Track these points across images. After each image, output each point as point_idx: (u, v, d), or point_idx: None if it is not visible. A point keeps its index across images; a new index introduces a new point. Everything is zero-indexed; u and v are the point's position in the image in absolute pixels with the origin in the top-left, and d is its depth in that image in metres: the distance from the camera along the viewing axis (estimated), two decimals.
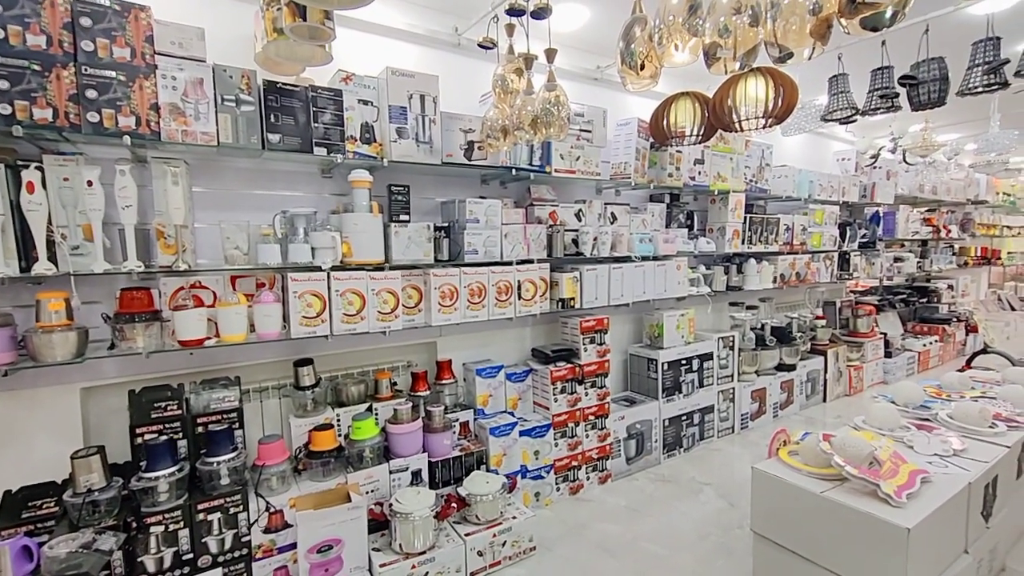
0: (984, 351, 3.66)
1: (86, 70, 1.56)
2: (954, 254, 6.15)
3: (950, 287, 6.00)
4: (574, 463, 2.70)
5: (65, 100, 1.54)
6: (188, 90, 1.72)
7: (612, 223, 2.94)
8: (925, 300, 5.72)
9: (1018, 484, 2.06)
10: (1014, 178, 6.78)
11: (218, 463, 1.79)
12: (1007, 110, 4.24)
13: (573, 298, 2.69)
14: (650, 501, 2.65)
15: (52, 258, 1.60)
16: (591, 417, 2.75)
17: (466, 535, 2.04)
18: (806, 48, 1.26)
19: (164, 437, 1.77)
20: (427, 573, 1.92)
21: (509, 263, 2.46)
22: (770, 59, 1.38)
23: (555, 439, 2.62)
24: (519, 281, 2.48)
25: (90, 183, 1.61)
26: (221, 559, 1.79)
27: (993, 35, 2.40)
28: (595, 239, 2.75)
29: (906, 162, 4.68)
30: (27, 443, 1.78)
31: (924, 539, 1.47)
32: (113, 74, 1.59)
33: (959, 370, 2.86)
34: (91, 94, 1.57)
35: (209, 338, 1.82)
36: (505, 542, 2.10)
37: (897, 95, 2.72)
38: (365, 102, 2.08)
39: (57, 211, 1.61)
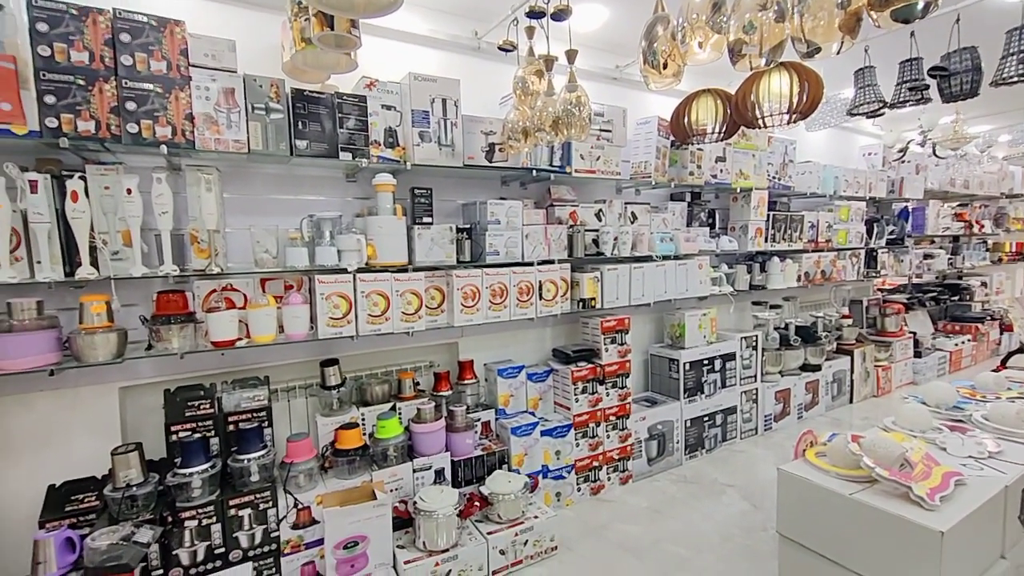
0: (1020, 351, 3.53)
1: (126, 83, 1.63)
2: (987, 250, 5.94)
3: (983, 284, 5.80)
4: (595, 463, 2.70)
5: (107, 112, 1.61)
6: (220, 100, 1.78)
7: (632, 222, 2.93)
8: (957, 298, 5.53)
9: None
10: None
11: (248, 460, 1.84)
12: None
13: (594, 298, 2.69)
14: (672, 502, 2.63)
15: (94, 263, 1.68)
16: (612, 417, 2.74)
17: (488, 534, 2.06)
18: (834, 43, 1.24)
19: (197, 435, 1.83)
20: (450, 571, 1.95)
21: (530, 264, 2.48)
22: (797, 55, 1.36)
23: (576, 439, 2.62)
24: (540, 281, 2.50)
25: (129, 191, 1.67)
26: (251, 553, 1.84)
27: None
28: (615, 239, 2.74)
29: (936, 155, 4.55)
30: (69, 440, 1.86)
31: (958, 543, 1.43)
32: (151, 86, 1.66)
33: (994, 370, 2.77)
34: (131, 106, 1.64)
35: (240, 339, 1.88)
36: (527, 541, 2.12)
37: (927, 87, 2.65)
38: (388, 107, 2.12)
39: (99, 218, 1.68)
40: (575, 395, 2.62)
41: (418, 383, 2.46)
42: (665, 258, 2.98)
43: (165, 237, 1.74)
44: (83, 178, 1.64)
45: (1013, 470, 1.72)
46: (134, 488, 1.67)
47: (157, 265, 1.77)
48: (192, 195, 1.82)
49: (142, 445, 1.75)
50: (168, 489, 1.75)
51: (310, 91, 1.95)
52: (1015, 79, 2.32)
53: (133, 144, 1.66)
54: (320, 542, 1.92)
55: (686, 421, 3.05)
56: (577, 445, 2.63)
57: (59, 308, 1.78)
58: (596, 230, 2.75)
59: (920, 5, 1.10)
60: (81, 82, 1.58)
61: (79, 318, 1.65)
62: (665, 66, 1.59)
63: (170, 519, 1.72)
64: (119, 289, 1.77)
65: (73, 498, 1.74)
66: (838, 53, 1.25)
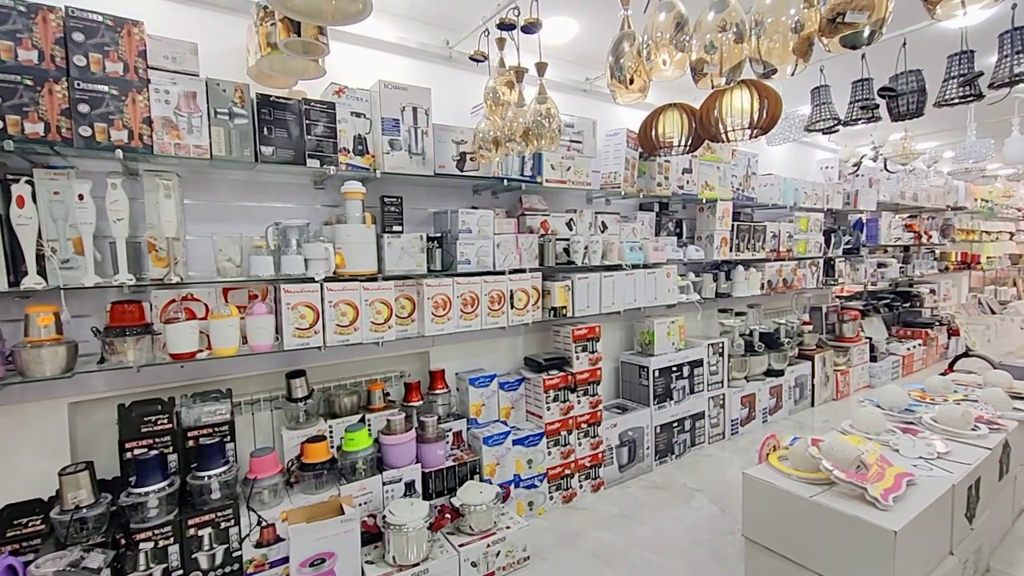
0: (966, 354, 3.74)
1: (78, 84, 1.56)
2: (935, 259, 6.29)
3: (932, 292, 6.13)
4: (567, 471, 2.71)
5: (57, 114, 1.54)
6: (181, 104, 1.72)
7: (603, 232, 2.97)
8: (908, 305, 5.83)
9: (1000, 485, 2.11)
10: (991, 184, 6.96)
11: (209, 477, 1.77)
12: (983, 119, 4.37)
13: (565, 307, 2.71)
14: (643, 508, 2.66)
15: (41, 272, 1.59)
16: (584, 425, 2.76)
17: (460, 546, 2.03)
18: (789, 64, 1.30)
19: (154, 452, 1.75)
20: None
21: (501, 272, 2.48)
22: (755, 74, 1.42)
23: (548, 448, 2.63)
24: (511, 290, 2.50)
25: (81, 197, 1.60)
26: (212, 575, 1.76)
27: (967, 48, 2.48)
28: (586, 248, 2.78)
29: (887, 170, 4.80)
30: (13, 460, 1.75)
31: (910, 541, 1.50)
32: (106, 88, 1.59)
33: (942, 373, 2.92)
34: (83, 108, 1.57)
35: (201, 351, 1.81)
36: (499, 552, 2.10)
37: (877, 106, 2.80)
38: (358, 114, 2.10)
39: (47, 225, 1.60)
40: (547, 403, 2.62)
41: (388, 394, 2.42)
42: (634, 267, 3.03)
43: (120, 245, 1.67)
44: (30, 182, 1.56)
45: (960, 470, 1.81)
46: (84, 510, 1.58)
47: (111, 274, 1.69)
48: (150, 201, 1.75)
49: (93, 464, 1.66)
50: (122, 510, 1.66)
51: (276, 96, 1.91)
52: (956, 101, 2.47)
53: (86, 148, 1.59)
54: (285, 560, 1.86)
55: (656, 427, 3.10)
56: (549, 453, 2.63)
57: (2, 319, 1.68)
58: (567, 239, 2.78)
59: (866, 33, 1.17)
60: (29, 82, 1.50)
61: (24, 330, 1.56)
62: (632, 81, 1.63)
63: (124, 542, 1.64)
64: (69, 299, 1.68)
65: (16, 522, 1.63)
66: (793, 75, 1.31)
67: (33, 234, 1.56)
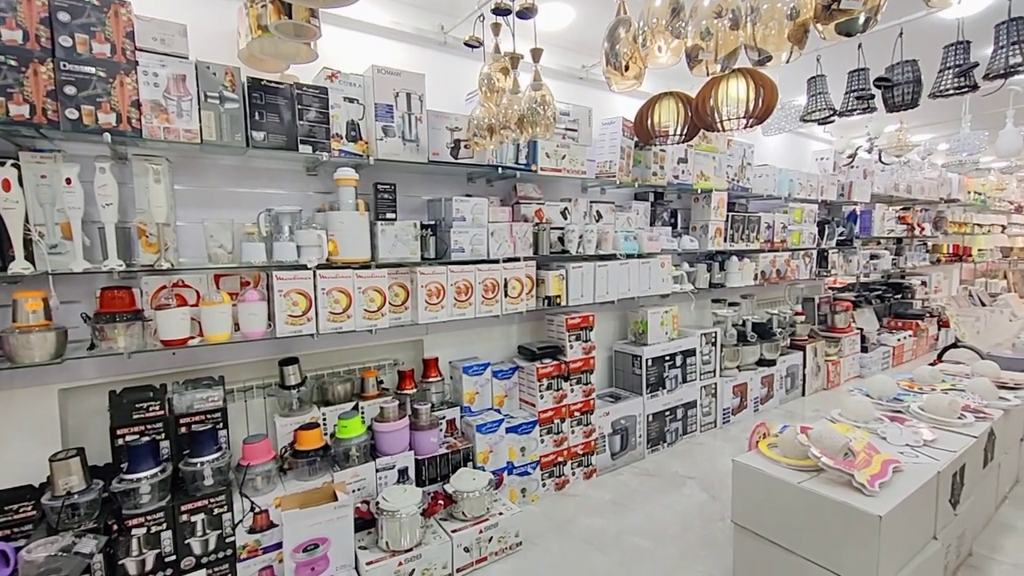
0: (955, 345, 3.79)
1: (64, 66, 1.53)
2: (927, 251, 6.33)
3: (923, 283, 6.18)
4: (560, 459, 2.73)
5: (43, 96, 1.51)
6: (170, 87, 1.69)
7: (597, 221, 2.97)
8: (900, 296, 5.88)
9: (985, 472, 2.15)
10: (984, 177, 7.00)
11: (202, 463, 1.77)
12: (978, 111, 4.38)
13: (559, 295, 2.72)
14: (634, 495, 2.69)
15: (29, 257, 1.57)
16: (577, 413, 2.78)
17: (453, 532, 2.05)
18: (784, 52, 1.29)
19: (146, 438, 1.74)
20: (414, 570, 1.93)
21: (496, 261, 2.48)
22: (750, 62, 1.41)
23: (541, 435, 2.64)
24: (505, 279, 2.50)
25: (69, 181, 1.58)
26: (205, 560, 1.77)
27: (963, 39, 2.48)
28: (581, 237, 2.77)
29: (882, 161, 4.81)
30: (2, 446, 1.74)
31: (895, 526, 1.53)
32: (93, 70, 1.56)
33: (931, 364, 2.96)
34: (70, 90, 1.54)
35: (192, 337, 1.81)
36: (492, 538, 2.12)
37: (872, 96, 2.80)
38: (351, 100, 2.08)
39: (34, 209, 1.58)
40: (540, 392, 2.64)
41: (382, 381, 2.42)
42: (629, 256, 3.04)
43: (109, 230, 1.65)
44: (16, 166, 1.53)
45: (945, 457, 1.84)
46: (75, 496, 1.58)
47: (101, 260, 1.67)
48: (140, 186, 1.73)
49: (84, 450, 1.66)
50: (113, 496, 1.66)
51: (268, 81, 1.88)
52: (951, 92, 2.47)
53: (73, 131, 1.56)
54: (279, 546, 1.87)
55: (648, 416, 3.13)
56: (542, 441, 2.65)
57: None
58: (561, 228, 2.77)
59: (861, 20, 1.16)
60: (13, 63, 1.47)
61: (12, 316, 1.55)
62: (627, 68, 1.61)
63: (116, 527, 1.64)
64: (58, 285, 1.66)
65: (7, 508, 1.63)
66: (788, 62, 1.30)
67: (20, 219, 1.54)
